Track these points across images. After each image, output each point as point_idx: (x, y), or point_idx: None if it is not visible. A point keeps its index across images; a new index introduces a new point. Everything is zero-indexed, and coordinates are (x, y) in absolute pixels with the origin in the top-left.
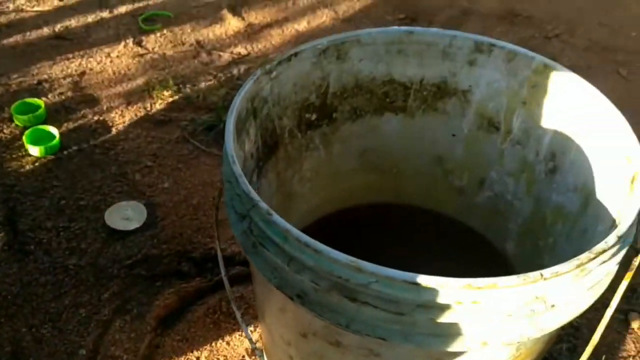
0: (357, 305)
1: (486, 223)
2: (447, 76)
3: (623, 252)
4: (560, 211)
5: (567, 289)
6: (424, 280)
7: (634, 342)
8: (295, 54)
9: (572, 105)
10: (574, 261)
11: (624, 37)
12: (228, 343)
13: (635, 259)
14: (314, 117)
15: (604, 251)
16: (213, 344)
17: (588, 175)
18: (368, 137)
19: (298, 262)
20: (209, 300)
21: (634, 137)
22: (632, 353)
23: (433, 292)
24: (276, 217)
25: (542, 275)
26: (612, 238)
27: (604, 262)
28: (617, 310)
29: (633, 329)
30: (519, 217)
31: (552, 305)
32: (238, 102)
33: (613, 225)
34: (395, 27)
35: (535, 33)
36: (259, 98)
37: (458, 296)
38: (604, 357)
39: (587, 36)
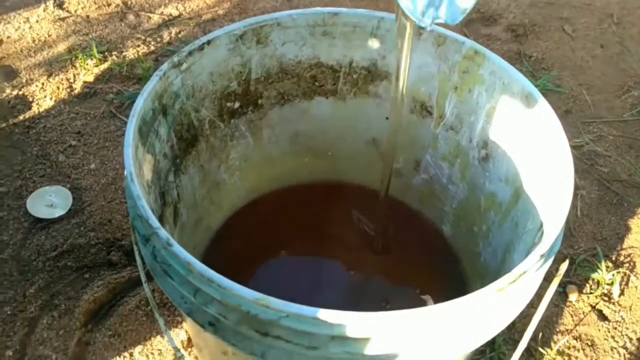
0: (269, 339)
1: (423, 204)
2: (377, 59)
3: (547, 266)
4: (493, 200)
5: (487, 311)
6: (335, 316)
7: (571, 315)
8: (208, 42)
9: (503, 96)
10: (495, 285)
11: None
12: (163, 336)
13: (562, 265)
14: (237, 105)
15: (524, 273)
16: (147, 337)
17: (518, 169)
18: (299, 121)
19: (204, 294)
20: (141, 291)
21: (565, 143)
22: (570, 327)
23: (346, 326)
24: (177, 248)
25: (458, 304)
26: (533, 258)
27: (526, 281)
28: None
29: (571, 301)
30: (454, 200)
31: (471, 328)
32: (140, 106)
33: (541, 227)
34: (319, 8)
35: None
36: (169, 94)
37: (372, 330)
38: (540, 333)
39: None
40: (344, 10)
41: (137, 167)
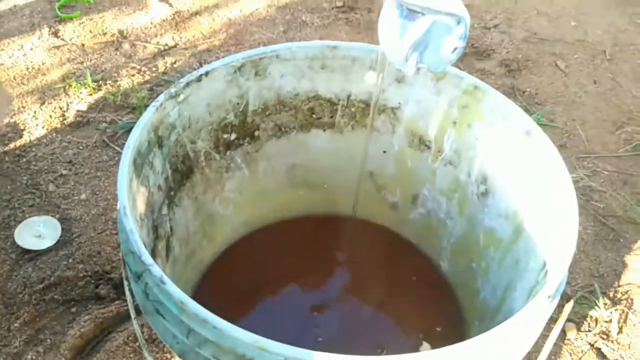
0: None
1: (420, 238)
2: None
3: (553, 307)
4: (493, 236)
5: (490, 356)
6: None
7: (570, 354)
8: (206, 73)
9: (503, 131)
10: (499, 329)
11: (563, 28)
12: None
13: (567, 305)
14: (233, 136)
15: (530, 315)
16: None
17: (519, 205)
18: (295, 154)
19: (198, 334)
20: (129, 326)
21: (568, 179)
22: None
23: None
24: (170, 287)
25: (460, 348)
26: (539, 300)
27: (532, 323)
28: (553, 320)
29: (569, 339)
30: (451, 236)
31: None
32: (136, 137)
33: (544, 267)
34: (318, 42)
35: (475, 23)
36: (165, 125)
37: None
38: None
39: (525, 26)
40: (343, 44)
41: (131, 200)
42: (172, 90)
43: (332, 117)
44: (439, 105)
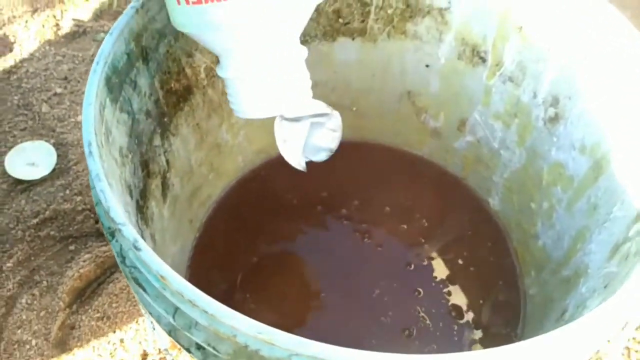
0: None
1: (467, 171)
2: None
3: None
4: (561, 172)
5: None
6: (358, 357)
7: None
8: None
9: (586, 37)
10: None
11: None
12: None
13: None
14: None
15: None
16: (139, 321)
17: (601, 135)
18: (318, 69)
19: (186, 316)
20: None
21: None
22: None
23: None
24: (147, 254)
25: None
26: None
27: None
28: None
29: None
30: (506, 169)
31: None
32: (109, 50)
33: (637, 219)
34: None
35: None
36: (150, 33)
37: None
38: None
39: None
40: None
41: (103, 132)
42: None
43: (363, 21)
44: (501, 3)
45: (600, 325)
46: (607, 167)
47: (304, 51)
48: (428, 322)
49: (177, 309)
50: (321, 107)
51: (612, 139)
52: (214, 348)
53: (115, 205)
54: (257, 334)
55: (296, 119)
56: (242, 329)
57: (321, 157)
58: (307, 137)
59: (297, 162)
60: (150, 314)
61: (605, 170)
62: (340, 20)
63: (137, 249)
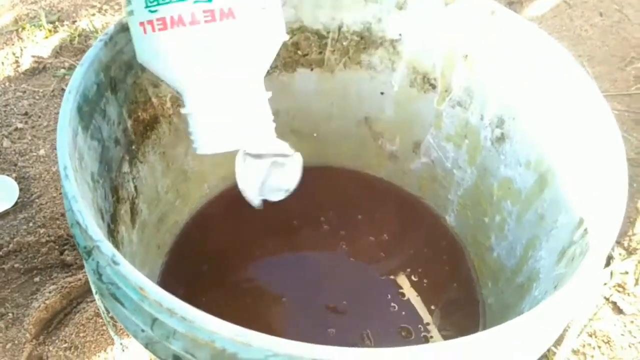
0: None
1: (424, 190)
2: (372, 22)
3: (599, 271)
4: (510, 187)
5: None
6: (334, 354)
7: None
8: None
9: (525, 63)
10: (542, 307)
11: None
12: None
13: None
14: None
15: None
16: (107, 350)
17: (544, 151)
18: (279, 98)
19: (165, 325)
20: None
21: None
22: (583, 322)
23: None
24: (125, 268)
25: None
26: (590, 261)
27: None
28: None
29: None
30: (459, 187)
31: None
32: (79, 80)
33: (581, 225)
34: None
35: None
36: (118, 65)
37: None
38: None
39: None
40: None
41: (77, 158)
42: (125, 20)
43: (320, 53)
44: (448, 35)
45: (547, 319)
46: (551, 180)
47: (267, 94)
48: (381, 335)
49: (155, 319)
50: (283, 147)
51: (553, 155)
52: (192, 355)
53: (93, 223)
54: (235, 336)
55: (258, 156)
56: (220, 333)
57: (278, 196)
58: (267, 176)
59: (254, 198)
60: (127, 328)
61: (550, 183)
62: (299, 52)
63: (115, 263)
